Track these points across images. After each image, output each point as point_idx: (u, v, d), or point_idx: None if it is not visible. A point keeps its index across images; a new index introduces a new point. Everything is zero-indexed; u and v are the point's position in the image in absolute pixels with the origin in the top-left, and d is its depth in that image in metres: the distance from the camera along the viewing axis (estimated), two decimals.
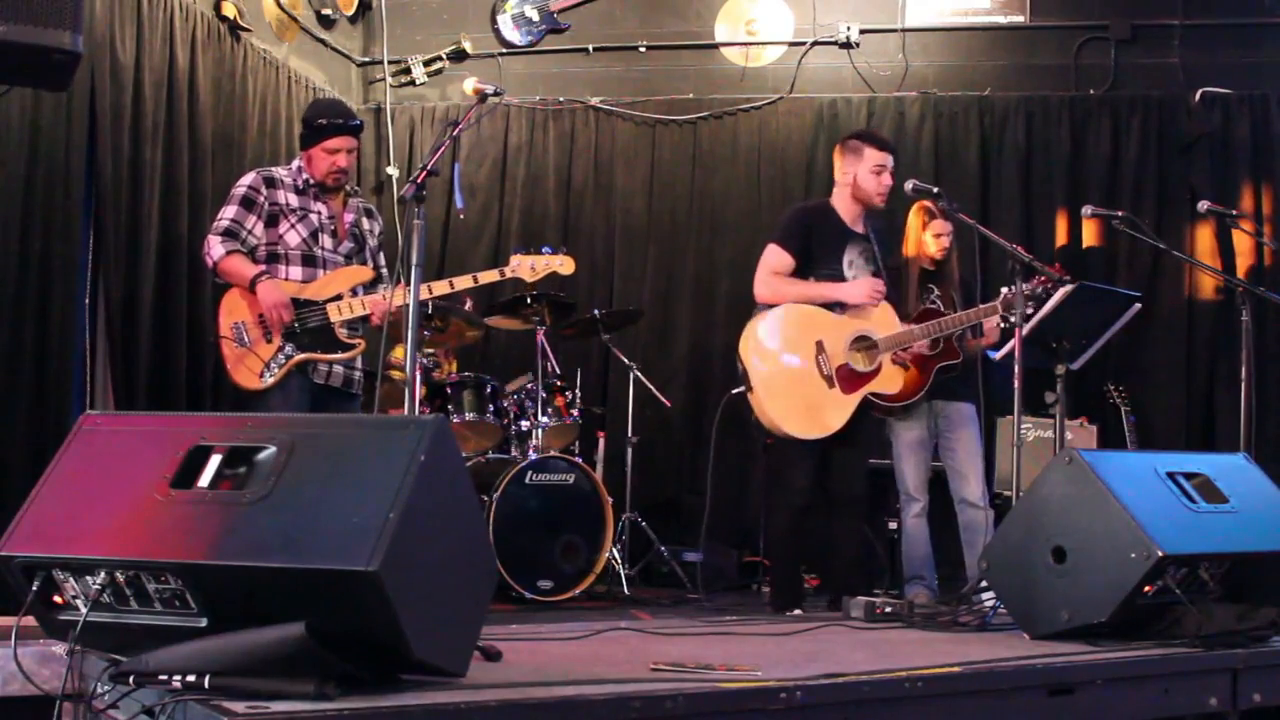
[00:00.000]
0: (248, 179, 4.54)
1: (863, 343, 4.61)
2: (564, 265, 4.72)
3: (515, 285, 6.58)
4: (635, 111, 7.30)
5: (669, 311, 7.18)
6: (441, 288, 4.48)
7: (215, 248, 4.41)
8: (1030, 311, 4.38)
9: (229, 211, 4.47)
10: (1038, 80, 7.06)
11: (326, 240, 4.54)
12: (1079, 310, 4.47)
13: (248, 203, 4.46)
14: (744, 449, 6.44)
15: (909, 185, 4.57)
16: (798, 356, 4.53)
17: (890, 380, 4.64)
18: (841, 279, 4.64)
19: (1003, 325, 4.89)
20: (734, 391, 4.58)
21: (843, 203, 4.73)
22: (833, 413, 4.52)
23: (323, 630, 1.97)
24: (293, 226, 4.48)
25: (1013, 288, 4.45)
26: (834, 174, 4.81)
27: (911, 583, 5.01)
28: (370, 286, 4.60)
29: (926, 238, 5.09)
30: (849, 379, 4.56)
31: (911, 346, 4.70)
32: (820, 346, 4.54)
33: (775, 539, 4.71)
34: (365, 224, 4.69)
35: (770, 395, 4.47)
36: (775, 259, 4.64)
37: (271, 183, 4.51)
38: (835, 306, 4.62)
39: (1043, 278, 4.50)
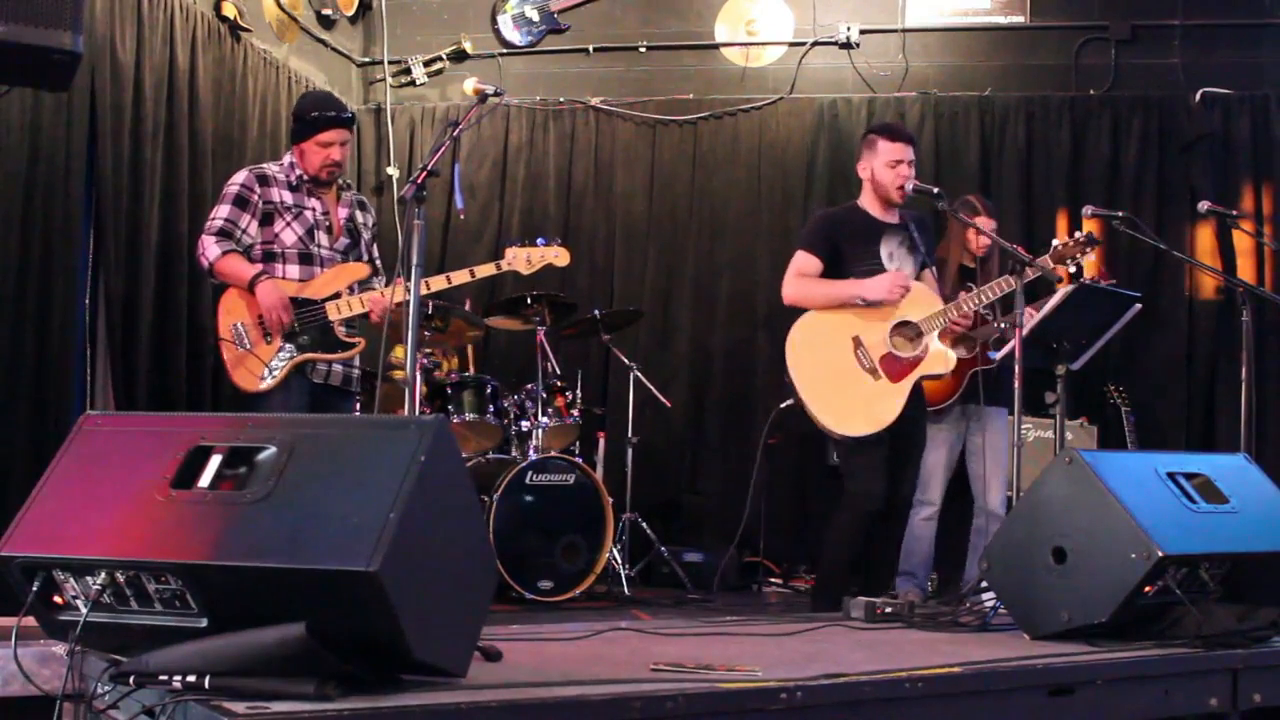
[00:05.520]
0: (240, 177, 4.48)
1: (906, 328, 4.56)
2: (559, 257, 4.72)
3: (515, 284, 6.62)
4: (635, 112, 7.30)
5: (669, 312, 7.17)
6: (439, 283, 4.46)
7: (210, 248, 4.37)
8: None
9: (222, 211, 4.41)
10: (1038, 80, 7.05)
11: (323, 237, 4.51)
12: (1079, 311, 4.47)
13: (241, 201, 4.41)
14: (748, 449, 6.44)
15: (909, 186, 4.57)
16: (836, 357, 4.49)
17: (941, 360, 4.55)
18: (882, 271, 4.57)
19: (1003, 325, 4.89)
20: (783, 405, 4.54)
21: (869, 199, 4.69)
22: (884, 404, 4.46)
23: (323, 630, 1.97)
24: (288, 225, 4.45)
25: (1064, 240, 4.47)
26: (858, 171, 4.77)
27: (903, 578, 5.01)
28: (366, 282, 4.59)
29: (969, 234, 5.04)
30: (895, 367, 4.50)
31: (955, 324, 4.64)
32: (857, 341, 4.50)
33: (834, 539, 4.60)
34: (359, 217, 4.66)
35: (818, 401, 4.44)
36: (802, 263, 4.60)
37: (264, 180, 4.46)
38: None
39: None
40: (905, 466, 4.59)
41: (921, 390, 4.60)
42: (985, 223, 5.06)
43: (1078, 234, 4.53)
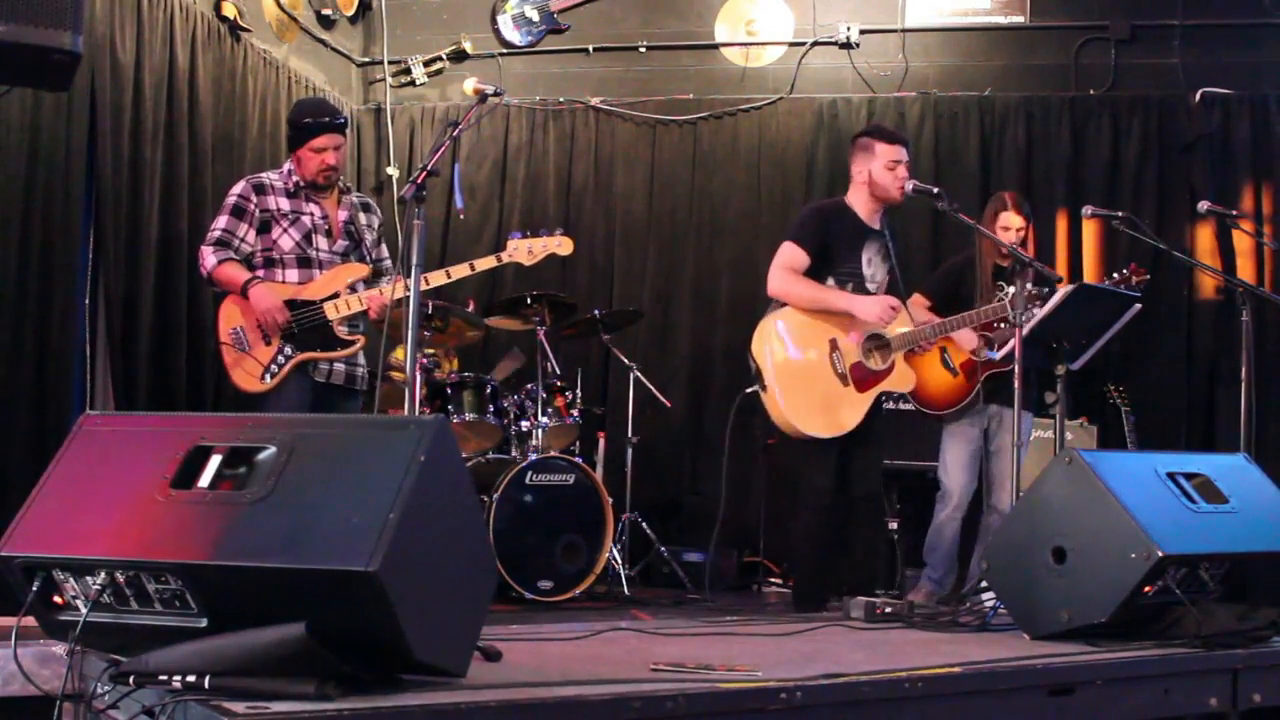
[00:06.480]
0: (237, 188, 4.60)
1: (875, 341, 4.60)
2: (562, 246, 4.69)
3: (516, 283, 6.62)
4: (635, 112, 7.30)
5: (669, 311, 7.17)
6: (439, 277, 4.47)
7: (208, 258, 4.49)
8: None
9: (220, 221, 4.55)
10: (1038, 80, 7.05)
11: (321, 241, 4.57)
12: (1079, 311, 4.47)
13: (238, 211, 4.53)
14: (747, 449, 6.44)
15: (909, 186, 4.57)
16: (812, 354, 4.53)
17: (903, 379, 4.62)
18: (860, 276, 4.61)
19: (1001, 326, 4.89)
20: (747, 390, 4.56)
21: (859, 200, 4.69)
22: (848, 411, 4.50)
23: (323, 630, 1.97)
24: (285, 231, 4.53)
25: (1026, 287, 4.48)
26: (850, 173, 4.76)
27: (923, 575, 5.02)
28: (371, 281, 4.61)
29: (996, 229, 5.01)
30: (863, 377, 4.55)
31: (922, 348, 4.67)
32: (834, 344, 4.54)
33: (799, 538, 4.66)
34: (361, 219, 4.70)
35: (785, 394, 4.46)
36: (790, 255, 4.59)
37: (261, 189, 4.56)
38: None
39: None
40: (856, 466, 4.60)
41: (880, 398, 4.63)
42: (1011, 218, 5.05)
43: (1037, 287, 4.55)
